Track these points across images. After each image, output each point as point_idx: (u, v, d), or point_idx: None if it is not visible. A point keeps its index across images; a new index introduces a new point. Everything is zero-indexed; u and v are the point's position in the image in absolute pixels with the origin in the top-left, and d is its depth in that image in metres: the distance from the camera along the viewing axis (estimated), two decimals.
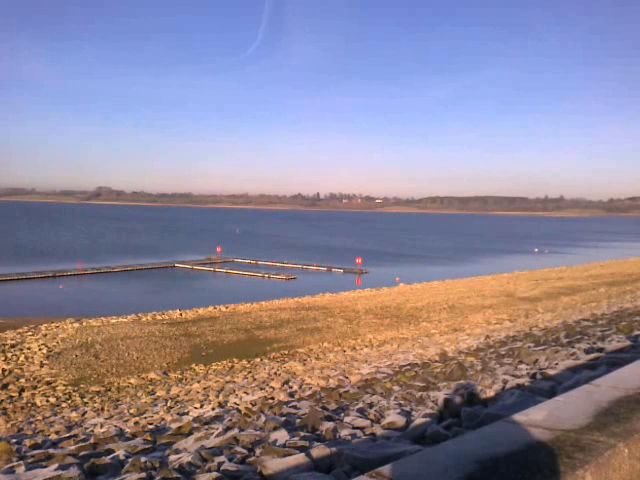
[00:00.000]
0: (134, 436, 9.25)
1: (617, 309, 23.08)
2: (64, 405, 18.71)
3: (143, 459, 5.87)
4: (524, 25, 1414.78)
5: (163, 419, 12.78)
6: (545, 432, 2.32)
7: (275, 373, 20.57)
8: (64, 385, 21.82)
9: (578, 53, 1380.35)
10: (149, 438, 8.32)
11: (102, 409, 17.30)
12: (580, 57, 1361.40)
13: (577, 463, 2.00)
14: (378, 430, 5.88)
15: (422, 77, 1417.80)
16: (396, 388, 10.30)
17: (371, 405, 8.42)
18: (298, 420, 7.36)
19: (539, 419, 2.51)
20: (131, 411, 15.83)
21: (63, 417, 16.10)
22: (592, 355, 7.83)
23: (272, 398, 13.12)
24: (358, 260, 73.62)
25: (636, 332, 9.97)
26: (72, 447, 8.20)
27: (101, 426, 12.59)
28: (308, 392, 13.15)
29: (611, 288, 43.15)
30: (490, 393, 6.40)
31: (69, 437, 10.78)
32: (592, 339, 11.27)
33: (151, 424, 11.84)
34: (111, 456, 6.65)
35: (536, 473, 1.97)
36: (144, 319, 36.43)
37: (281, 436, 6.09)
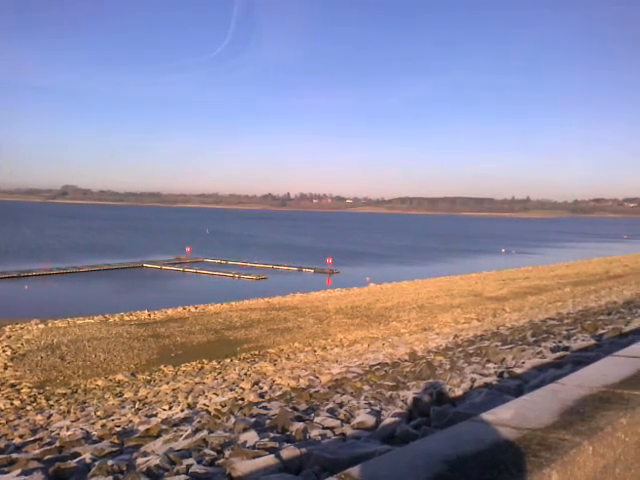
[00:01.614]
0: (101, 439, 9.11)
1: (582, 308, 23.57)
2: (29, 408, 18.32)
3: (110, 462, 5.78)
4: (494, 29, 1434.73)
5: (131, 421, 12.62)
6: (512, 431, 2.35)
7: (245, 374, 20.47)
8: (29, 387, 21.37)
9: (550, 54, 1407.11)
10: (116, 441, 8.20)
11: (68, 412, 16.98)
12: (552, 58, 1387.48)
13: (543, 462, 2.03)
14: (348, 430, 5.88)
15: (392, 78, 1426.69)
16: (366, 388, 10.34)
17: (341, 405, 8.43)
18: (268, 421, 7.33)
19: (506, 418, 2.54)
20: (98, 413, 15.58)
21: (28, 420, 15.76)
22: (558, 354, 7.97)
23: (242, 399, 13.05)
24: (329, 260, 73.70)
25: (601, 331, 10.17)
26: (37, 451, 8.03)
27: (67, 429, 12.36)
28: (278, 392, 13.13)
29: (576, 288, 44.02)
30: (458, 392, 6.47)
31: (34, 441, 10.56)
32: (558, 338, 11.47)
33: (118, 426, 11.68)
34: (77, 460, 6.53)
35: (503, 472, 1.99)
36: (111, 320, 35.91)
37: (251, 437, 6.06)
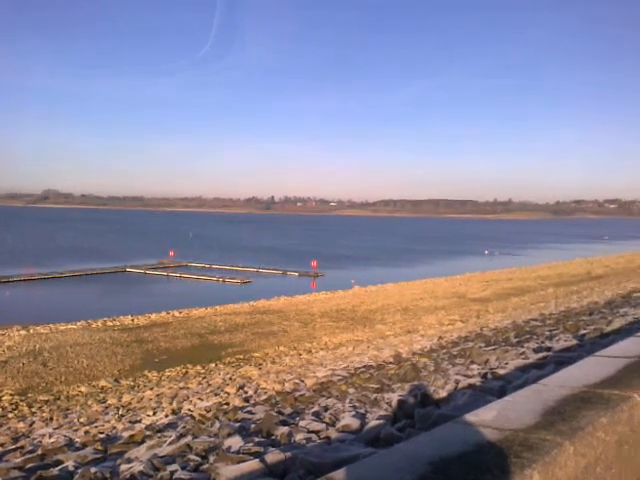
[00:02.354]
0: (84, 446, 9.03)
1: (564, 309, 23.79)
2: (10, 415, 18.10)
3: (93, 469, 5.73)
4: (477, 32, 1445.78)
5: (114, 428, 12.50)
6: (495, 432, 2.36)
7: (230, 378, 20.39)
8: (10, 395, 21.11)
9: (547, 56, 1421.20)
10: (100, 447, 8.13)
11: (51, 419, 16.80)
12: (546, 60, 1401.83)
13: (525, 462, 2.04)
14: (333, 433, 5.89)
15: (376, 81, 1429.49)
16: (351, 390, 10.34)
17: (326, 408, 8.42)
18: (253, 425, 7.31)
19: (489, 419, 2.55)
20: (81, 420, 15.42)
21: (9, 428, 15.56)
22: (541, 354, 8.04)
23: (227, 404, 12.99)
24: (313, 263, 73.73)
25: (582, 331, 10.28)
26: (18, 459, 7.93)
27: (50, 436, 12.21)
28: (263, 397, 13.08)
29: (558, 289, 44.45)
30: (443, 394, 6.50)
31: (15, 449, 10.43)
32: (540, 338, 11.57)
33: (102, 433, 11.57)
34: (60, 467, 6.47)
35: (486, 473, 2.00)
36: (94, 325, 35.61)
37: (235, 442, 6.03)
